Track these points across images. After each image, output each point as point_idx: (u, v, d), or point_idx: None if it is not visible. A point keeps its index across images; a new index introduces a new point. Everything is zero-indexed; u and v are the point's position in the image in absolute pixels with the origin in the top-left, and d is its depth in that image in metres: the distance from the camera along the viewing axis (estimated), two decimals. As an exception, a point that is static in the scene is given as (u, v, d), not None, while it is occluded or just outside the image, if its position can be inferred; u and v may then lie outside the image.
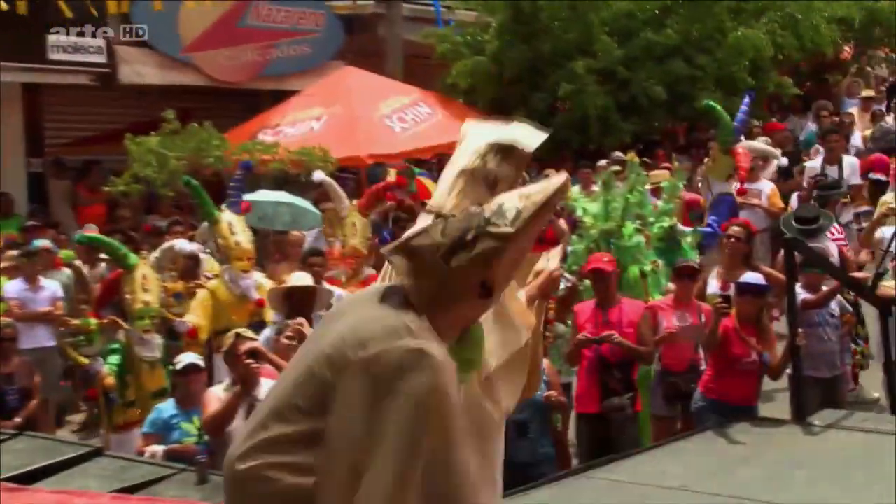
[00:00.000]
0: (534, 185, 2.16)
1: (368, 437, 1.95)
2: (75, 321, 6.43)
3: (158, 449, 4.91)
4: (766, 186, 9.01)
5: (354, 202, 7.90)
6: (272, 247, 8.67)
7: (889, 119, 11.78)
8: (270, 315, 6.37)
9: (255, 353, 4.91)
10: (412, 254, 2.08)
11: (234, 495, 2.11)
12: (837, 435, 4.88)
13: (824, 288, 6.18)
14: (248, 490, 2.06)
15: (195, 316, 6.60)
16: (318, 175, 8.29)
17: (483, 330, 2.21)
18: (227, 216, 6.98)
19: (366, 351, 1.99)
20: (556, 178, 2.17)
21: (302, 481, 2.00)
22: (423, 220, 2.16)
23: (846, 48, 14.60)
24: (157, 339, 6.11)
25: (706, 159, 9.09)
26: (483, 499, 2.19)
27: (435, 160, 11.92)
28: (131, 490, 3.78)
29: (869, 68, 14.77)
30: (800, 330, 5.40)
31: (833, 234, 7.46)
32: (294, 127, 11.67)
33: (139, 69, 11.90)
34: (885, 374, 6.38)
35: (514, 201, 2.11)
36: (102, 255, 7.93)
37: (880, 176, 8.88)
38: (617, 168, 8.18)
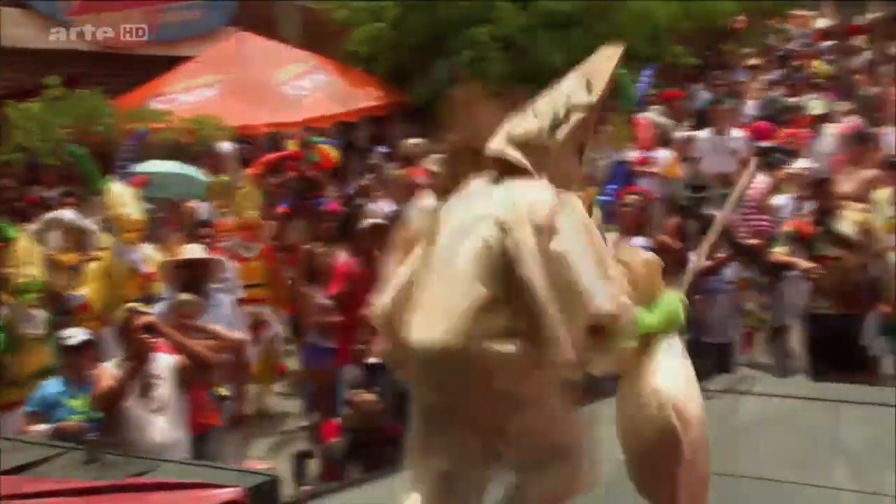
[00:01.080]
0: (591, 63, 2.79)
1: (554, 270, 2.38)
2: (-47, 297, 6.07)
3: (43, 428, 4.70)
4: (663, 155, 9.13)
5: (247, 172, 7.70)
6: (166, 217, 8.38)
7: (780, 88, 12.07)
8: (160, 289, 6.16)
9: (150, 327, 4.77)
10: (520, 143, 2.63)
11: (451, 373, 2.39)
12: (732, 399, 5.00)
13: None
14: (470, 365, 2.36)
15: (89, 289, 6.35)
16: (227, 146, 8.01)
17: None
18: (115, 187, 6.71)
19: (519, 209, 2.45)
20: (611, 51, 2.79)
21: (513, 347, 2.36)
22: None
23: (739, 18, 14.94)
24: (41, 315, 5.83)
25: (606, 127, 9.14)
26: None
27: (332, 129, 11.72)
28: (17, 471, 3.58)
29: (762, 39, 15.12)
30: (695, 297, 5.50)
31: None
32: (187, 94, 11.28)
33: (20, 32, 11.30)
34: (775, 338, 6.61)
35: (576, 80, 2.77)
36: None
37: (764, 143, 9.06)
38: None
